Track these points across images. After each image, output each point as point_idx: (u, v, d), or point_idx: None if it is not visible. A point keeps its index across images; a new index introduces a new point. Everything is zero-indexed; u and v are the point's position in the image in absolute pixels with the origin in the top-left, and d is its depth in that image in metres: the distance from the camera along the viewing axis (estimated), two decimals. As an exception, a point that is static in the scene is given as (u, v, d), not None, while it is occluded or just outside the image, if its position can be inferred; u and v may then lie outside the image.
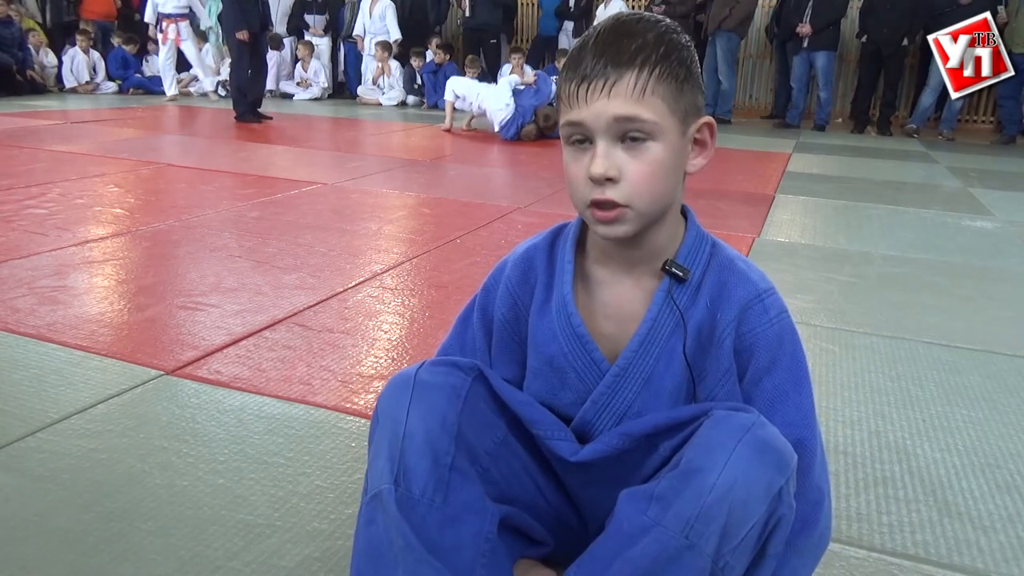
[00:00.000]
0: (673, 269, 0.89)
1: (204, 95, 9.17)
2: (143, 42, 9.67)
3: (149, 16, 8.47)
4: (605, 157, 0.83)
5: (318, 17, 9.91)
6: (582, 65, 0.83)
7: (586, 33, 0.87)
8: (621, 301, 0.93)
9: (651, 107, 0.82)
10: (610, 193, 0.83)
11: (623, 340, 0.92)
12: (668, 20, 0.87)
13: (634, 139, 0.83)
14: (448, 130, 6.65)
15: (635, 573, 0.76)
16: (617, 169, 0.83)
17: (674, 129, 0.84)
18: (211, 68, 9.22)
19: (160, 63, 8.69)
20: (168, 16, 8.34)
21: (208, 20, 9.21)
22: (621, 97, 0.81)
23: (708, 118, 0.88)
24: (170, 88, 8.62)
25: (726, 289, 0.90)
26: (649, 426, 0.89)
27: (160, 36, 8.45)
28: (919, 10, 7.36)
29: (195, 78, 9.48)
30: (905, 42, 7.59)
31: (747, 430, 0.79)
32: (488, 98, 6.35)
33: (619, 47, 0.82)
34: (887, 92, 8.01)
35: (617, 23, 0.85)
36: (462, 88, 6.62)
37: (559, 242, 0.99)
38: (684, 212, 0.95)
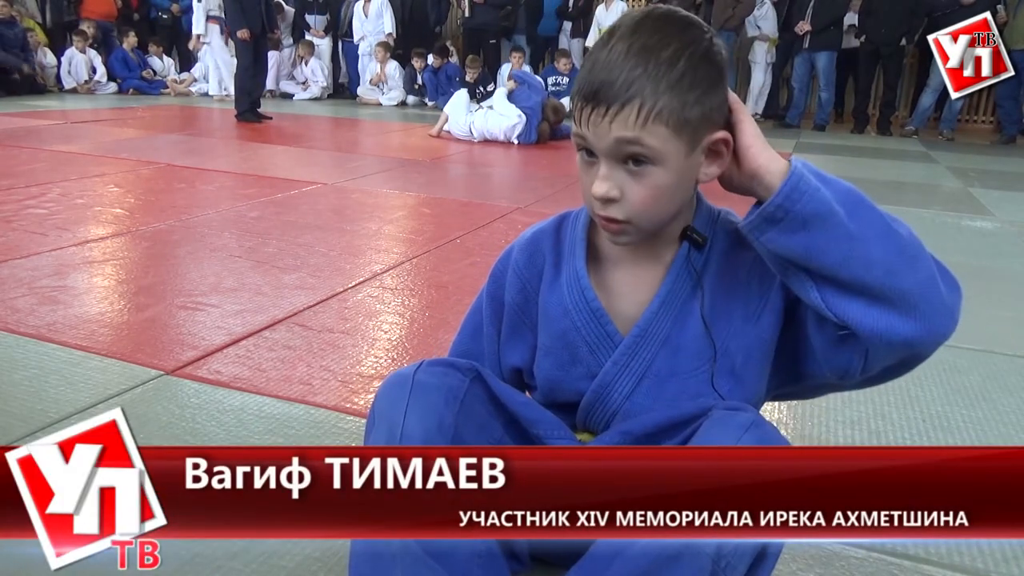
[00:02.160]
0: (693, 235, 0.91)
1: (205, 95, 9.18)
2: (144, 43, 9.68)
3: (199, 27, 8.37)
4: (606, 179, 0.83)
5: (319, 17, 9.91)
6: (590, 81, 0.82)
7: (608, 31, 0.85)
8: (639, 279, 0.94)
9: (654, 134, 0.81)
10: (612, 211, 0.85)
11: (636, 315, 0.93)
12: (696, 23, 0.84)
13: (637, 162, 0.82)
14: (437, 135, 6.31)
15: (635, 572, 0.76)
16: (619, 190, 0.84)
17: (679, 152, 0.83)
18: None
19: (211, 64, 8.75)
20: (216, 19, 8.35)
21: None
22: (622, 124, 0.81)
23: (724, 133, 0.85)
24: (217, 90, 8.70)
25: (736, 235, 0.92)
26: (650, 425, 0.89)
27: (209, 40, 8.47)
28: (918, 10, 7.36)
29: (195, 79, 9.50)
30: (904, 42, 7.59)
31: (746, 429, 0.80)
32: (491, 121, 6.11)
33: (628, 68, 0.80)
34: (886, 92, 8.01)
35: (634, 30, 0.82)
36: (455, 115, 6.24)
37: (566, 224, 1.00)
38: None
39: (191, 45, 8.73)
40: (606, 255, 0.96)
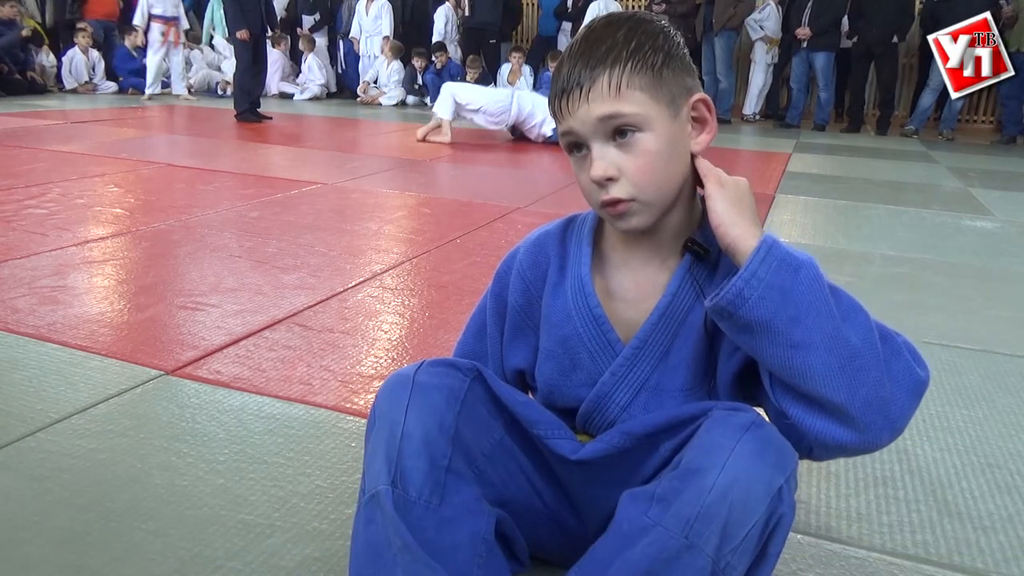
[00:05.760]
0: (695, 247, 0.91)
1: (177, 96, 9.12)
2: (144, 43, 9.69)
3: (139, 19, 8.50)
4: (600, 159, 0.85)
5: (306, 17, 9.92)
6: (560, 79, 0.86)
7: (565, 47, 0.90)
8: (643, 284, 0.94)
9: (631, 100, 0.83)
10: (614, 191, 0.86)
11: (640, 322, 0.93)
12: (641, 12, 0.90)
13: (623, 135, 0.84)
14: (422, 139, 6.00)
15: (635, 573, 0.76)
16: (615, 168, 0.85)
17: (662, 116, 0.85)
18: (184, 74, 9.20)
19: (148, 62, 8.71)
20: (159, 18, 8.40)
21: (185, 23, 9.26)
22: (599, 99, 0.84)
23: (700, 94, 0.89)
24: (151, 87, 8.69)
25: None
26: (650, 425, 0.89)
27: (150, 37, 8.52)
28: (908, 8, 7.36)
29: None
30: (895, 39, 7.59)
31: (746, 430, 0.79)
32: (537, 103, 5.86)
33: (590, 54, 0.84)
34: (882, 92, 8.01)
35: (588, 31, 0.88)
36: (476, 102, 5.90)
37: (572, 227, 1.01)
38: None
39: (130, 42, 8.82)
40: (611, 260, 0.96)
